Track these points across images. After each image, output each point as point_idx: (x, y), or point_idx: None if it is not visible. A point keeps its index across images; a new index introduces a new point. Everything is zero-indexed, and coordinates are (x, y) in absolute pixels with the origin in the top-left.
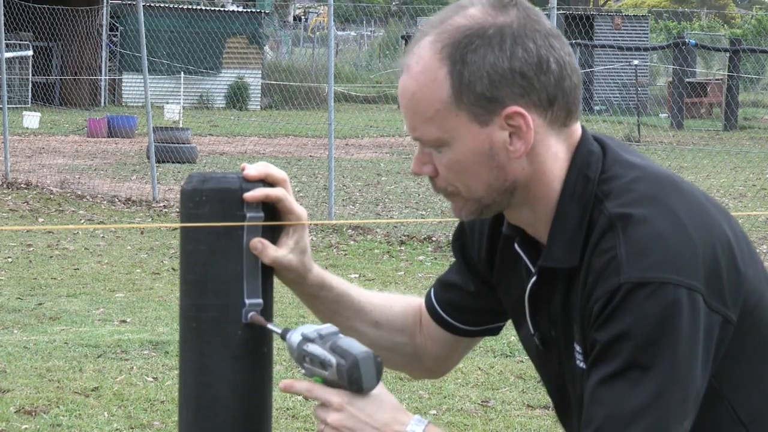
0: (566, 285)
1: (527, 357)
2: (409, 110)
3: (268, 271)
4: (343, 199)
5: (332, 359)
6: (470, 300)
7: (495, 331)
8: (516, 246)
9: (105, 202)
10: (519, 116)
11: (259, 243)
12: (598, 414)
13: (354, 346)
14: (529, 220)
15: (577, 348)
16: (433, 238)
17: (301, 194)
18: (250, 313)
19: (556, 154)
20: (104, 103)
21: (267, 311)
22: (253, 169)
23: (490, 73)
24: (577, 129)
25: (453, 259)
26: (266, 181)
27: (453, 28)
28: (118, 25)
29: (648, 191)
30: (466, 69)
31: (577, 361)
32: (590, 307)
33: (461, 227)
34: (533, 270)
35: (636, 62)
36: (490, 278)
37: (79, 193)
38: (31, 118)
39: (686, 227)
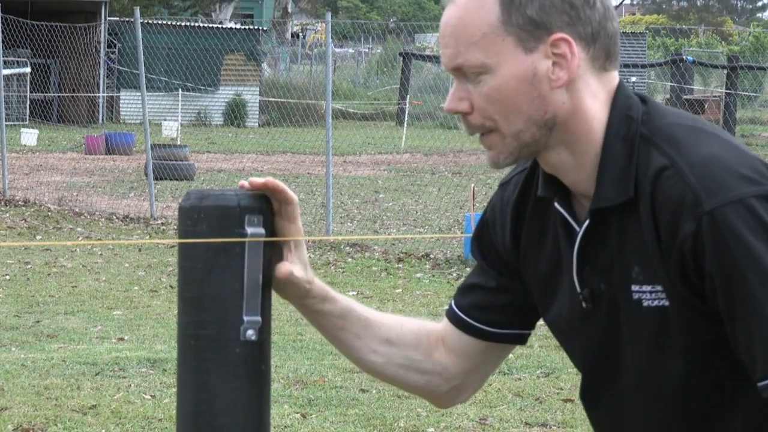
0: (620, 225)
1: (525, 374)
2: (453, 37)
3: (267, 288)
4: (341, 216)
5: None
6: (493, 297)
7: (521, 339)
8: (556, 204)
9: (103, 219)
10: (565, 43)
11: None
12: None
13: None
14: (569, 164)
15: (645, 288)
16: (431, 256)
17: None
18: None
19: (595, 93)
20: (102, 120)
21: (265, 329)
22: (258, 180)
23: None
24: (615, 77)
25: (451, 276)
26: (271, 192)
27: None
28: (116, 42)
29: (693, 125)
30: None
31: (646, 302)
32: (678, 247)
33: (481, 224)
34: (576, 227)
35: (633, 79)
36: (516, 262)
37: (77, 210)
38: (29, 135)
39: (739, 147)
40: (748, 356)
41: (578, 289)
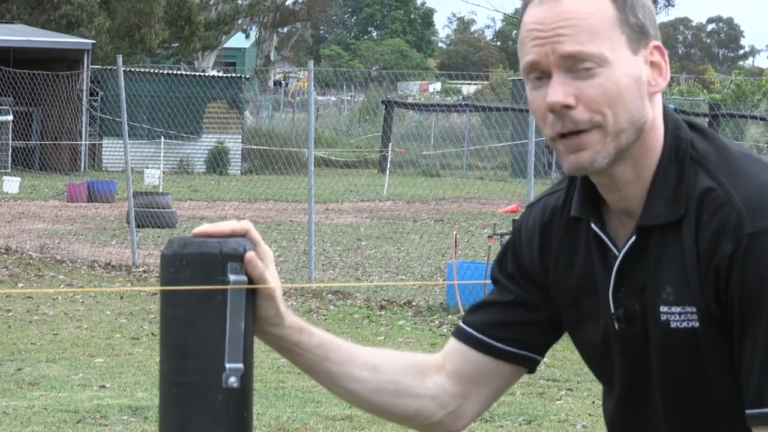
0: (659, 244)
1: (507, 421)
2: (572, 26)
3: (249, 336)
4: (323, 264)
5: None
6: (507, 312)
7: (531, 364)
8: (593, 225)
9: (85, 267)
10: (660, 52)
11: (253, 257)
12: None
13: None
14: (629, 177)
15: (674, 309)
16: (413, 303)
17: (281, 259)
18: None
19: (661, 109)
20: (84, 168)
21: (247, 376)
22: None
23: (644, 5)
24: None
25: (433, 324)
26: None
27: None
28: (98, 90)
29: (742, 151)
30: None
31: (674, 324)
32: (714, 266)
33: (505, 248)
34: (613, 248)
35: None
36: (544, 280)
37: (59, 258)
38: (11, 183)
39: None
40: (745, 382)
41: (612, 309)
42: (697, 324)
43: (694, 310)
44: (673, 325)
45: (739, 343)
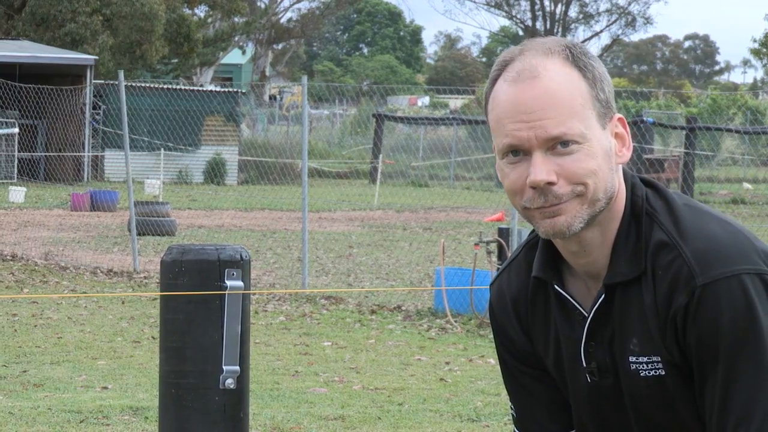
0: (623, 298)
1: (493, 421)
2: (552, 106)
3: (245, 339)
4: (316, 270)
5: None
6: (544, 394)
7: None
8: (557, 287)
9: (87, 273)
10: (623, 123)
11: None
12: (755, 413)
13: None
14: (597, 241)
15: (642, 359)
16: (403, 308)
17: (276, 265)
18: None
19: (621, 173)
20: (87, 178)
21: (244, 378)
22: None
23: (608, 80)
24: None
25: (422, 327)
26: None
27: (561, 44)
28: (100, 103)
29: (694, 205)
30: (596, 71)
31: (643, 372)
32: (672, 318)
33: (494, 331)
34: (578, 306)
35: None
36: (531, 348)
37: (63, 264)
38: (17, 193)
39: (736, 228)
40: (708, 424)
41: (584, 364)
42: (662, 372)
43: (659, 359)
44: (642, 373)
45: (700, 387)
